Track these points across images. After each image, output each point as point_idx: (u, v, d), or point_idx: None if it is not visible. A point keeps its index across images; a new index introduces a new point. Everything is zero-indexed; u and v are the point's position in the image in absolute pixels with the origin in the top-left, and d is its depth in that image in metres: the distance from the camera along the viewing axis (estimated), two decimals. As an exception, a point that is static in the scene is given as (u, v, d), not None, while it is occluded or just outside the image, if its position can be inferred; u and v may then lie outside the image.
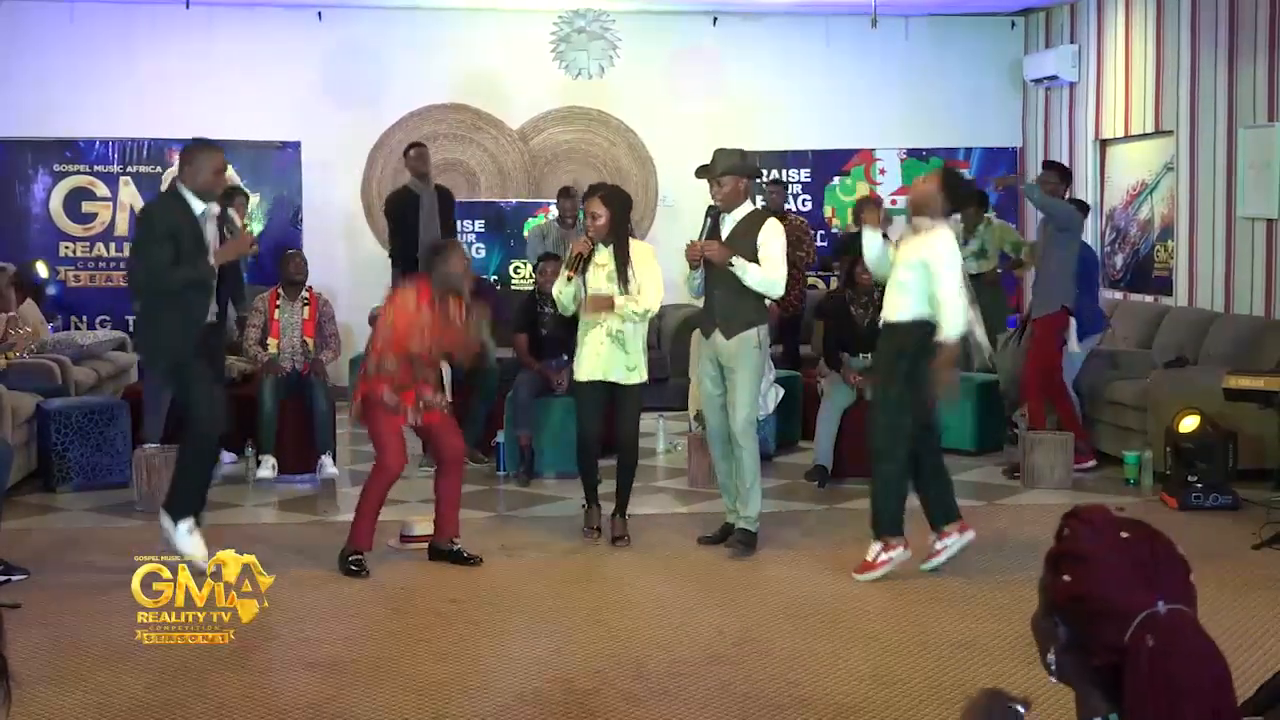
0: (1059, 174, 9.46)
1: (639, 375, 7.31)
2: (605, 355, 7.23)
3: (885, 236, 6.99)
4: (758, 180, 10.29)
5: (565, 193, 11.18)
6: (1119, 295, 11.67)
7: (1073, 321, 9.11)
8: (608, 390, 7.31)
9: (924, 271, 6.56)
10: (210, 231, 6.77)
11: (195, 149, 6.81)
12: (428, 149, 11.01)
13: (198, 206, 6.65)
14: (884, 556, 6.71)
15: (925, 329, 6.58)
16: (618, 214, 7.23)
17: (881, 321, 6.91)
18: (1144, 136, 11.48)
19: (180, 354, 6.66)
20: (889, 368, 6.74)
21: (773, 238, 7.13)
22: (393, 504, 7.31)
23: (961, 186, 6.93)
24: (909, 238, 6.74)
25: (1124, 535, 2.03)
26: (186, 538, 6.56)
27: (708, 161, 7.29)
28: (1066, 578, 2.03)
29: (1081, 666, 2.05)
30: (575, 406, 7.64)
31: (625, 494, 7.45)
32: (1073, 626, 2.04)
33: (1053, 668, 2.10)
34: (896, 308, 6.69)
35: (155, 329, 6.74)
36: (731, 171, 7.17)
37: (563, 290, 7.35)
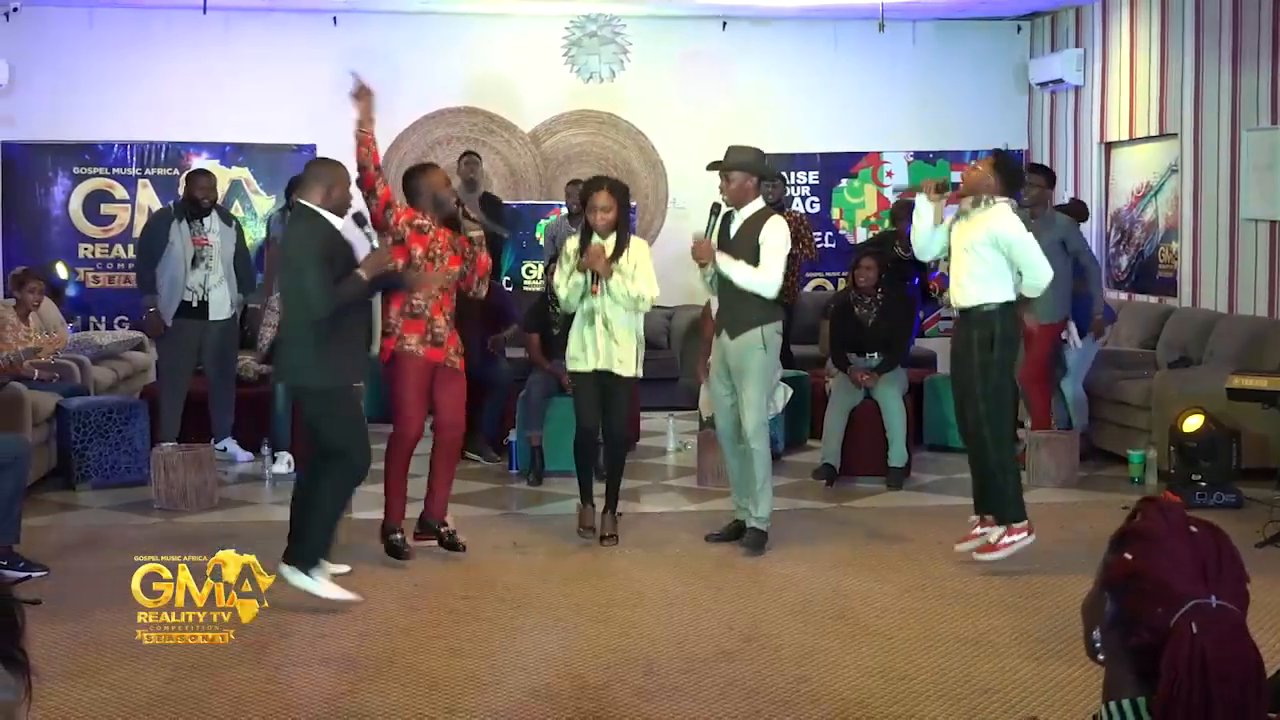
0: (1046, 178, 9.50)
1: (628, 369, 7.24)
2: (603, 346, 7.21)
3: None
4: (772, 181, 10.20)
5: (576, 183, 11.26)
6: (1124, 296, 11.73)
7: (1071, 324, 9.23)
8: (600, 380, 7.29)
9: (994, 251, 6.59)
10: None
11: (324, 166, 6.55)
12: (480, 159, 11.29)
13: (337, 223, 6.37)
14: (1007, 540, 6.74)
15: (1004, 313, 6.63)
16: (623, 207, 7.28)
17: (954, 308, 6.87)
18: (1148, 139, 11.54)
19: (347, 377, 6.43)
20: (972, 360, 6.70)
21: (773, 235, 7.10)
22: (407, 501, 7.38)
23: (1013, 168, 6.91)
24: (963, 222, 6.75)
25: (1193, 529, 2.04)
26: (326, 585, 6.24)
27: (721, 159, 7.33)
28: (1128, 555, 2.05)
29: (1120, 645, 2.05)
30: (573, 401, 7.65)
31: (615, 491, 7.44)
32: (1122, 603, 2.04)
33: (1096, 645, 2.10)
34: (969, 294, 6.67)
35: (318, 352, 6.28)
36: (742, 168, 7.15)
37: (564, 284, 7.30)
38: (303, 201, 6.39)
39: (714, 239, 7.21)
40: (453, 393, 7.09)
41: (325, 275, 6.18)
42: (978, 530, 6.96)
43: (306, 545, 6.27)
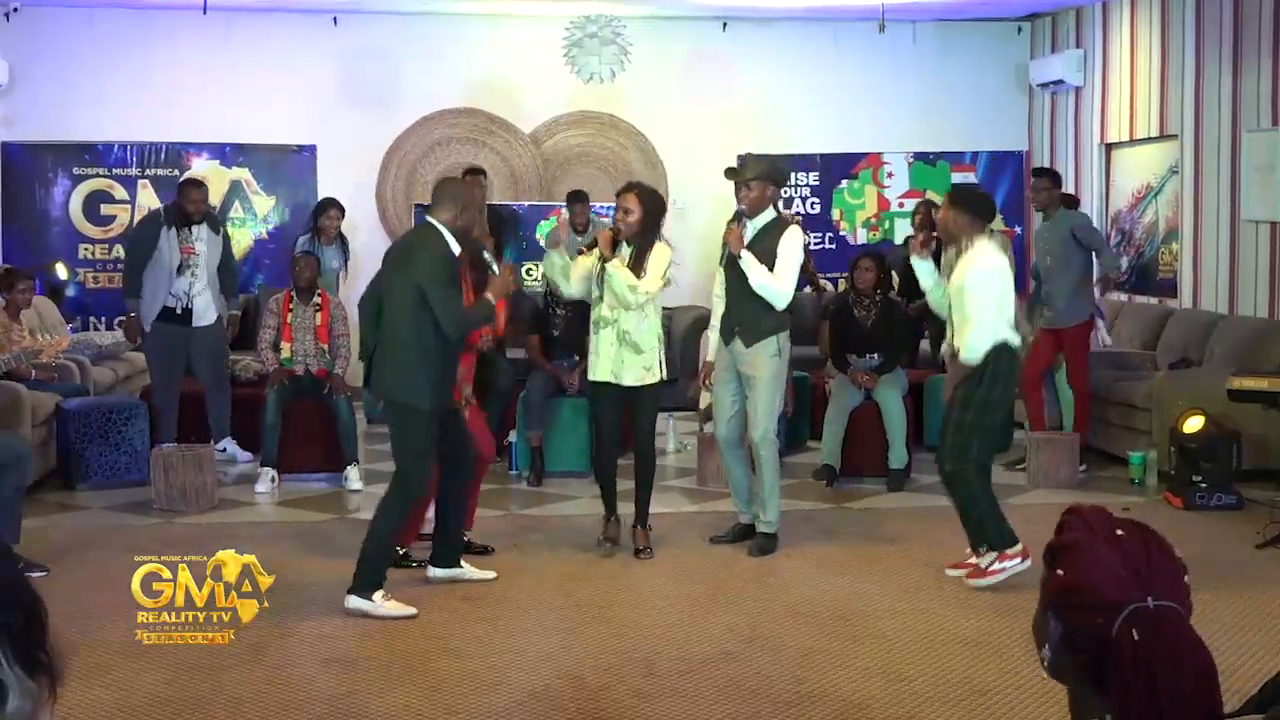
0: (1051, 179, 9.57)
1: (654, 375, 7.11)
2: (615, 357, 7.05)
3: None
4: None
5: (576, 196, 11.23)
6: (1124, 297, 11.74)
7: (1100, 322, 9.30)
8: (623, 394, 7.13)
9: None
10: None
11: (457, 186, 6.42)
12: (485, 175, 11.16)
13: (455, 246, 6.23)
14: (998, 565, 6.61)
15: (998, 353, 6.51)
16: (649, 215, 7.07)
17: (953, 350, 6.75)
18: (1149, 140, 11.55)
19: (437, 399, 6.27)
20: (958, 389, 6.66)
21: (791, 247, 7.11)
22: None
23: (974, 198, 6.88)
24: (955, 265, 6.74)
25: (1119, 533, 2.04)
26: (384, 605, 6.19)
27: (731, 165, 7.33)
28: (1060, 570, 2.05)
29: (1073, 663, 2.06)
30: (591, 414, 7.60)
31: (645, 504, 7.31)
32: (1063, 620, 2.04)
33: (1046, 663, 2.11)
34: (963, 341, 6.55)
35: (420, 371, 6.18)
36: (761, 177, 7.17)
37: (557, 263, 7.20)
38: (432, 221, 6.27)
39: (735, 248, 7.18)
40: (478, 425, 7.12)
41: (459, 299, 6.16)
42: (971, 561, 6.83)
43: (360, 569, 6.21)
